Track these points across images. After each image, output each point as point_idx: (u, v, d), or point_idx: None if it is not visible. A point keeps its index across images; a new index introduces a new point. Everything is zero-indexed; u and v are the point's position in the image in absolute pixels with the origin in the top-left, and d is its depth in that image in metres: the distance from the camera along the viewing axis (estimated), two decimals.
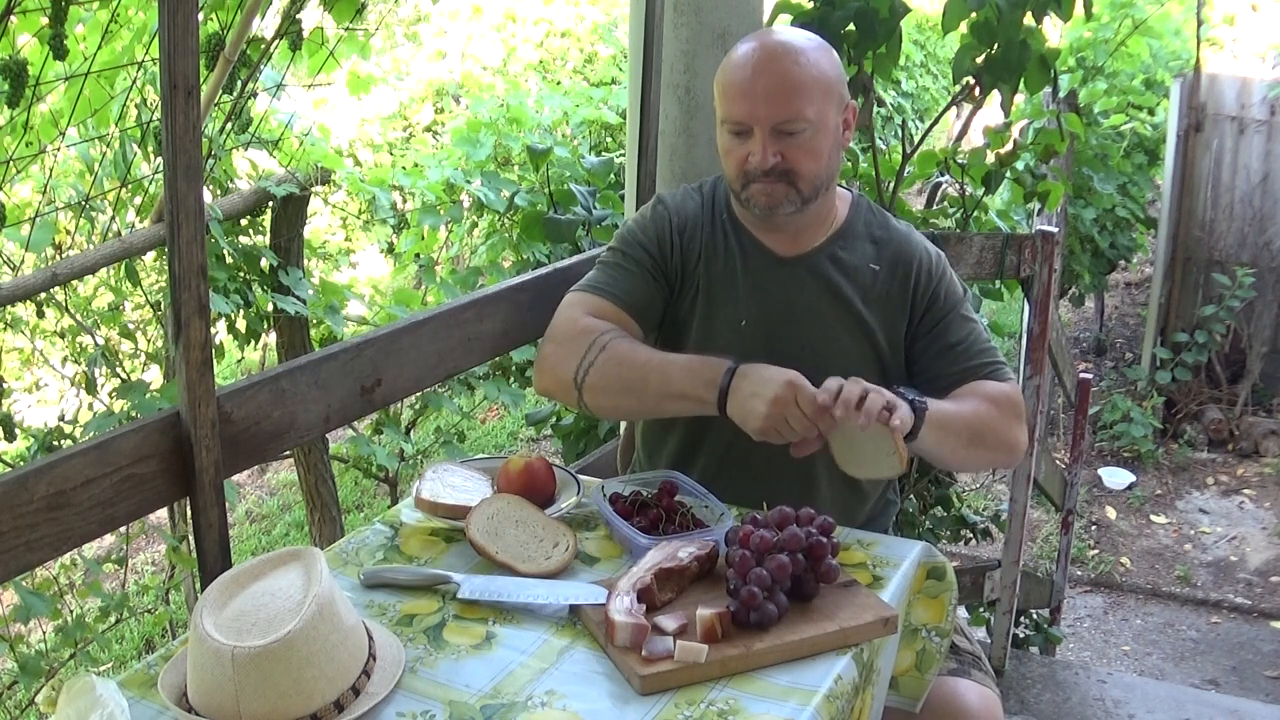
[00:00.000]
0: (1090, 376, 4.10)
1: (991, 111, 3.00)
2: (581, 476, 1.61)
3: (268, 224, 3.10)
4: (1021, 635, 3.47)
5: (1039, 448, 2.82)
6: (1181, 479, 5.57)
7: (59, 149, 2.61)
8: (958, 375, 1.65)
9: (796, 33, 1.65)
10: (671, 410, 1.60)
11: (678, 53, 2.32)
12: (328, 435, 3.23)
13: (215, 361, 1.50)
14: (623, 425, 2.22)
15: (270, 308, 2.98)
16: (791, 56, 1.57)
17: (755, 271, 1.69)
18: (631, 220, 1.80)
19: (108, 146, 2.56)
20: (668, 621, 1.22)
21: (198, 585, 1.65)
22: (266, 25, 2.47)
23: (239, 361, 4.92)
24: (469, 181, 3.31)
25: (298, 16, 2.44)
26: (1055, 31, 5.53)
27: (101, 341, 3.05)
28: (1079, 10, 2.53)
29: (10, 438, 2.67)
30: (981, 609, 3.11)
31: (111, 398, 2.87)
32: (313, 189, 3.07)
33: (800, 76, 1.56)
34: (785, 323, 1.68)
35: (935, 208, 3.18)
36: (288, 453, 3.21)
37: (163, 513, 3.26)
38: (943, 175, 3.02)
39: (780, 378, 1.46)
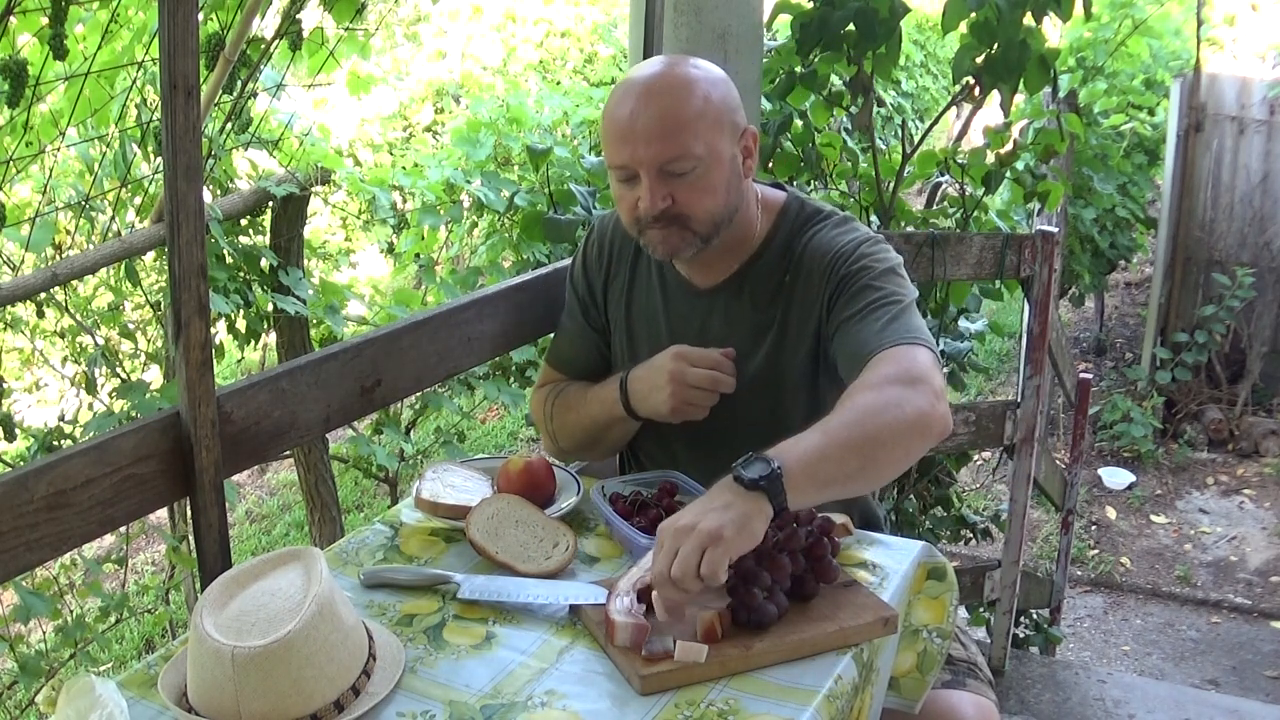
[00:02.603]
0: (1090, 376, 4.10)
1: (991, 111, 3.00)
2: (581, 476, 1.61)
3: (268, 224, 3.11)
4: (1021, 635, 3.47)
5: (1039, 448, 2.82)
6: (1181, 479, 5.57)
7: (59, 149, 2.61)
8: (852, 357, 1.44)
9: (677, 63, 1.52)
10: (624, 435, 1.70)
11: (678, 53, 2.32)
12: (328, 435, 3.23)
13: (215, 361, 1.50)
14: None
15: (270, 308, 2.97)
16: (671, 92, 1.47)
17: (674, 306, 1.66)
18: (569, 269, 1.83)
19: (108, 146, 2.56)
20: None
21: (198, 585, 1.65)
22: (266, 25, 2.47)
23: (239, 361, 4.91)
24: (469, 181, 3.30)
25: (298, 16, 2.43)
26: (1055, 31, 5.53)
27: (101, 341, 3.05)
28: (1079, 10, 2.54)
29: (10, 438, 2.67)
30: (981, 609, 3.11)
31: (111, 398, 2.87)
32: (313, 189, 3.07)
33: (681, 112, 1.46)
34: None
35: (935, 208, 3.18)
36: (288, 453, 3.21)
37: (163, 513, 3.26)
38: (943, 175, 3.02)
39: (665, 357, 1.54)
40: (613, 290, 1.73)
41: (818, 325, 1.55)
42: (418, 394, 2.87)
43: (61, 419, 2.84)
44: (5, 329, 3.17)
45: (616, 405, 1.62)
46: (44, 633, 2.63)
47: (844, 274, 1.52)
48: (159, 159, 2.47)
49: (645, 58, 2.21)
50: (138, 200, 2.74)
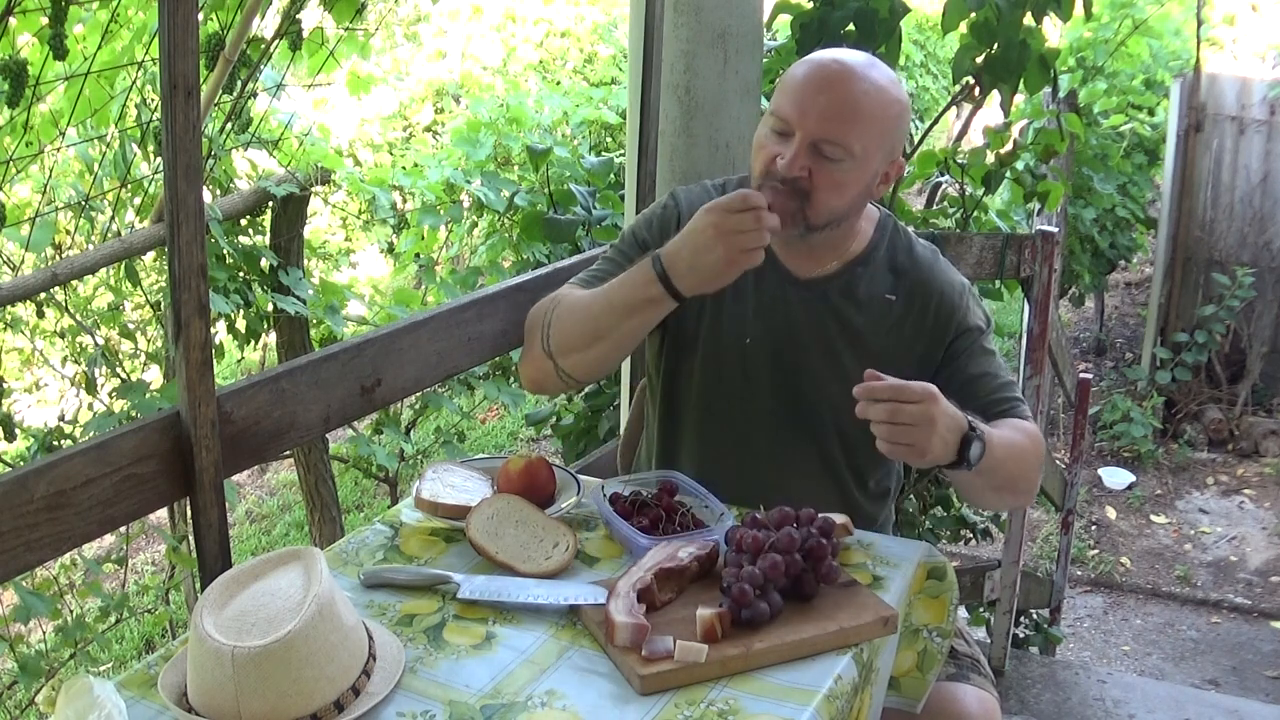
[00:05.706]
0: (1090, 376, 4.09)
1: (991, 111, 3.01)
2: (581, 476, 1.60)
3: (268, 224, 3.11)
4: (1021, 635, 3.47)
5: None
6: (1181, 479, 5.57)
7: (59, 149, 2.61)
8: (977, 411, 1.53)
9: (878, 67, 1.57)
10: (638, 329, 1.56)
11: (678, 53, 2.32)
12: (328, 435, 3.23)
13: (215, 361, 1.51)
14: (622, 425, 2.22)
15: (270, 308, 2.98)
16: (864, 85, 1.51)
17: (766, 289, 1.65)
18: (639, 216, 1.76)
19: (108, 146, 2.56)
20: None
21: (198, 585, 1.65)
22: (266, 25, 2.47)
23: (239, 361, 4.92)
24: (469, 181, 3.31)
25: (298, 16, 2.44)
26: (1055, 31, 5.52)
27: (101, 341, 3.05)
28: (1079, 10, 2.54)
29: (10, 438, 2.68)
30: (981, 609, 3.11)
31: (111, 398, 2.87)
32: (313, 189, 3.07)
33: (863, 107, 1.51)
34: (790, 345, 1.64)
35: (935, 208, 3.18)
36: (288, 453, 3.21)
37: (163, 513, 3.26)
38: (943, 175, 3.02)
39: (697, 220, 1.45)
40: None
41: (920, 357, 1.63)
42: (418, 394, 2.87)
43: (61, 419, 2.84)
44: (5, 329, 3.17)
45: (652, 285, 1.49)
46: (44, 633, 2.63)
47: (966, 326, 1.64)
48: (159, 159, 2.47)
49: (645, 58, 2.21)
50: (138, 200, 2.75)
